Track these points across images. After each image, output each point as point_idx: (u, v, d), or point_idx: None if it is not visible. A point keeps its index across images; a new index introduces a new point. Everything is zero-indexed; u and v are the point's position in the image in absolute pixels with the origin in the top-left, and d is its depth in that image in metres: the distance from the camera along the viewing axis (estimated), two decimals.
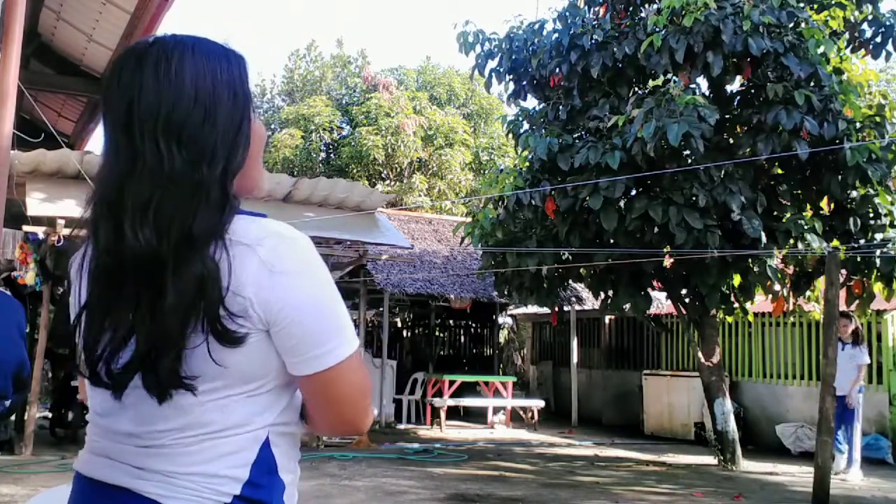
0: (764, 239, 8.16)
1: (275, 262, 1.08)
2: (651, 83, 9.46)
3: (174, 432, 1.13)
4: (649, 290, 9.73)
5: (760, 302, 10.76)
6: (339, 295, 1.16)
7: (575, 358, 14.45)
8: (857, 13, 9.45)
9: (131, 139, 1.08)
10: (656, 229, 8.25)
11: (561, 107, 9.66)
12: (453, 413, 13.61)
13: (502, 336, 18.77)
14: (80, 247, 1.22)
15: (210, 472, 1.13)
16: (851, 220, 8.75)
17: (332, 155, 22.86)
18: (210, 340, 1.08)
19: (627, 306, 9.57)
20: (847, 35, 9.37)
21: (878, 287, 9.02)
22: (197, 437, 1.13)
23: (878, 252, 8.59)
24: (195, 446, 1.13)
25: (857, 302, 9.22)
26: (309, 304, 1.11)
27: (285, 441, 1.21)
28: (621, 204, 8.46)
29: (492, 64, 10.37)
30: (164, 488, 1.12)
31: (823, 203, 9.28)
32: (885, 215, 8.84)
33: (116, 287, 1.09)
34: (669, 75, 8.85)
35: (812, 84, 8.30)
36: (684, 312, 9.99)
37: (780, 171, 9.15)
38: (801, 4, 8.70)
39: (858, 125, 8.36)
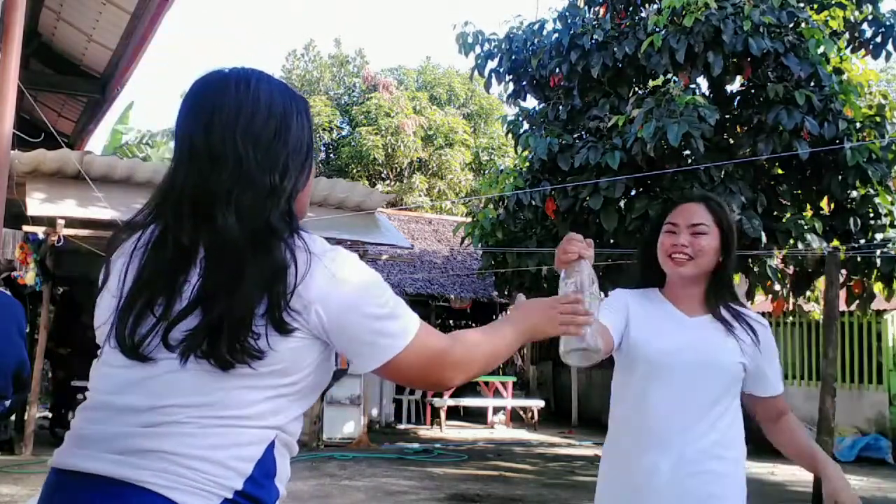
0: (764, 239, 8.16)
1: (337, 272, 1.21)
2: (651, 83, 9.46)
3: (194, 409, 1.15)
4: None
5: (760, 302, 10.75)
6: (387, 289, 1.30)
7: None
8: (857, 13, 9.45)
9: (212, 139, 1.22)
10: None
11: (561, 107, 9.66)
12: (453, 413, 13.61)
13: None
14: (122, 241, 1.29)
15: (217, 459, 1.14)
16: (851, 220, 8.75)
17: (331, 155, 22.86)
18: (268, 327, 1.16)
19: None
20: (847, 35, 9.37)
21: (878, 287, 9.01)
22: (216, 418, 1.16)
23: (878, 252, 8.59)
24: (211, 429, 1.15)
25: (857, 302, 9.22)
26: (365, 303, 1.23)
27: (285, 452, 1.25)
28: (621, 204, 8.46)
29: (492, 64, 10.37)
30: (160, 476, 1.12)
31: (823, 203, 9.28)
32: (886, 215, 8.83)
33: (183, 263, 1.19)
34: (669, 75, 8.85)
35: (812, 84, 8.30)
36: None
37: (780, 171, 9.15)
38: (802, 4, 8.70)
39: (858, 125, 8.36)
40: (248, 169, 1.20)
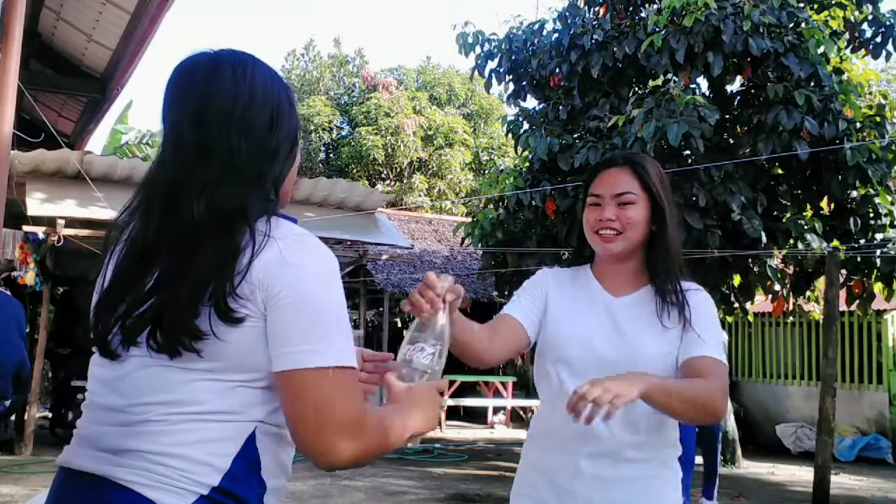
0: (764, 239, 8.16)
1: (289, 255, 1.13)
2: (651, 83, 9.45)
3: (162, 406, 1.14)
4: None
5: (760, 302, 10.75)
6: (344, 311, 1.16)
7: None
8: (857, 13, 9.45)
9: (202, 131, 1.17)
10: None
11: (561, 107, 9.66)
12: (453, 413, 13.61)
13: None
14: (114, 241, 1.27)
15: (190, 455, 1.13)
16: (851, 220, 8.75)
17: (331, 155, 22.85)
18: (212, 314, 1.11)
19: None
20: (847, 35, 9.37)
21: (878, 287, 9.01)
22: (184, 414, 1.13)
23: (878, 252, 8.59)
24: (180, 425, 1.13)
25: (857, 302, 9.22)
26: (307, 296, 1.12)
27: (272, 443, 1.19)
28: None
29: (491, 64, 10.37)
30: (138, 474, 1.12)
31: (823, 203, 9.27)
32: (886, 215, 8.83)
33: (149, 259, 1.17)
34: (669, 75, 8.85)
35: (812, 84, 8.30)
36: None
37: (780, 171, 9.15)
38: (802, 4, 8.70)
39: (858, 125, 8.36)
40: (239, 161, 1.17)
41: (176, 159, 1.19)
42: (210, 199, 1.14)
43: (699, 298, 1.90)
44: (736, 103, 9.42)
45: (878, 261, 8.63)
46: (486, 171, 20.63)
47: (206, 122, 1.17)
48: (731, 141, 9.19)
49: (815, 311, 10.69)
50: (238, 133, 1.17)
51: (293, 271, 1.12)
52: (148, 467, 1.12)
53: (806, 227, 8.27)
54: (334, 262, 1.18)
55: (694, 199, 8.21)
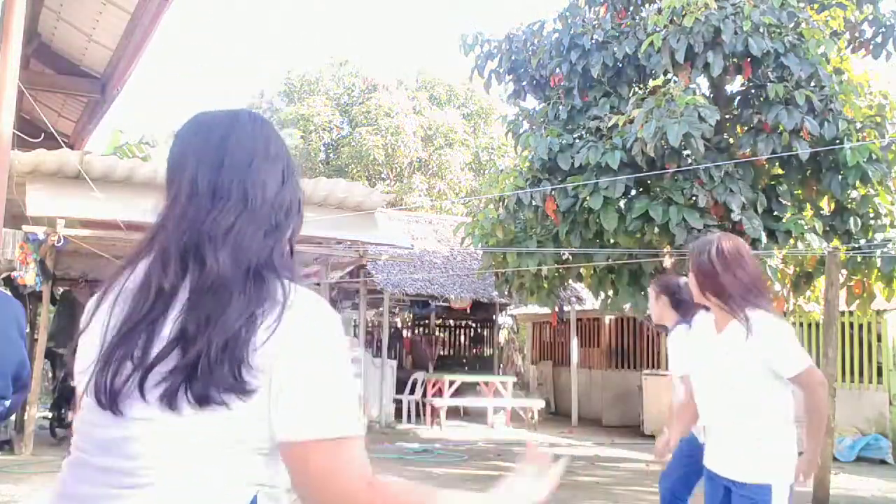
0: (764, 239, 8.16)
1: (303, 328, 1.11)
2: (651, 83, 9.45)
3: (170, 468, 1.10)
4: (649, 290, 9.71)
5: None
6: (350, 386, 1.15)
7: (575, 358, 14.45)
8: (857, 13, 9.46)
9: (221, 179, 1.19)
10: (656, 229, 8.25)
11: (561, 107, 9.66)
12: (453, 413, 13.60)
13: (502, 336, 18.77)
14: (112, 282, 1.23)
15: None
16: (852, 220, 8.75)
17: (331, 155, 22.86)
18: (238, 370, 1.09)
19: (627, 306, 9.57)
20: (847, 35, 9.37)
21: (878, 287, 9.02)
22: (185, 480, 1.10)
23: (878, 252, 8.59)
24: (189, 490, 1.10)
25: (857, 302, 9.22)
26: (320, 374, 1.11)
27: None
28: (621, 204, 8.46)
29: (491, 65, 10.37)
30: None
31: (823, 203, 9.28)
32: (886, 215, 8.84)
33: (163, 307, 1.13)
34: (669, 75, 8.85)
35: (812, 84, 8.31)
36: None
37: (780, 171, 9.15)
38: (802, 4, 8.70)
39: (858, 125, 8.36)
40: (257, 209, 1.18)
41: (191, 206, 1.18)
42: (236, 245, 1.14)
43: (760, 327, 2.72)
44: (736, 103, 9.42)
45: (878, 261, 8.63)
46: (486, 171, 20.64)
47: (225, 169, 1.19)
48: (731, 141, 9.19)
49: (815, 311, 10.69)
50: (256, 183, 1.20)
51: (310, 344, 1.11)
52: None
53: (806, 227, 8.28)
54: (341, 330, 1.18)
55: (694, 199, 8.22)
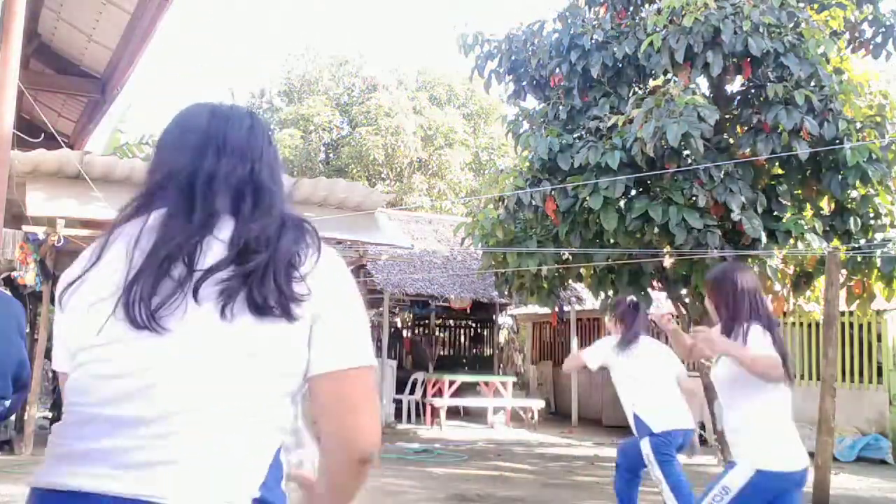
0: (764, 239, 8.16)
1: (335, 273, 1.28)
2: (651, 83, 9.45)
3: (205, 413, 1.11)
4: (649, 289, 9.72)
5: None
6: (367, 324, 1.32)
7: None
8: (857, 13, 9.45)
9: (244, 160, 1.34)
10: (656, 229, 8.25)
11: (561, 107, 9.65)
12: (453, 413, 13.61)
13: (502, 336, 18.77)
14: (120, 225, 1.29)
15: (233, 467, 1.11)
16: (852, 219, 8.75)
17: (331, 155, 22.85)
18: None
19: None
20: (847, 35, 9.37)
21: (878, 287, 9.02)
22: (230, 422, 1.12)
23: (878, 252, 8.59)
24: (227, 435, 1.11)
25: (857, 302, 9.22)
26: (351, 312, 1.26)
27: (284, 455, 1.20)
28: (621, 204, 8.46)
29: (491, 65, 10.37)
30: (178, 490, 1.06)
31: (823, 203, 9.28)
32: (886, 215, 8.83)
33: (204, 232, 1.23)
34: (669, 75, 8.85)
35: (812, 84, 8.30)
36: (684, 312, 9.99)
37: (780, 171, 9.15)
38: (801, 4, 8.70)
39: (858, 125, 8.36)
40: (272, 181, 1.36)
41: (224, 161, 1.31)
42: (274, 190, 1.34)
43: None
44: (736, 103, 9.42)
45: (878, 261, 8.63)
46: (486, 171, 20.64)
47: (246, 153, 1.36)
48: (731, 141, 9.19)
49: (815, 311, 10.69)
50: (268, 163, 1.38)
51: (344, 285, 1.28)
52: (189, 481, 1.07)
53: (806, 227, 8.27)
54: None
55: (694, 199, 8.22)
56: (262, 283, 1.16)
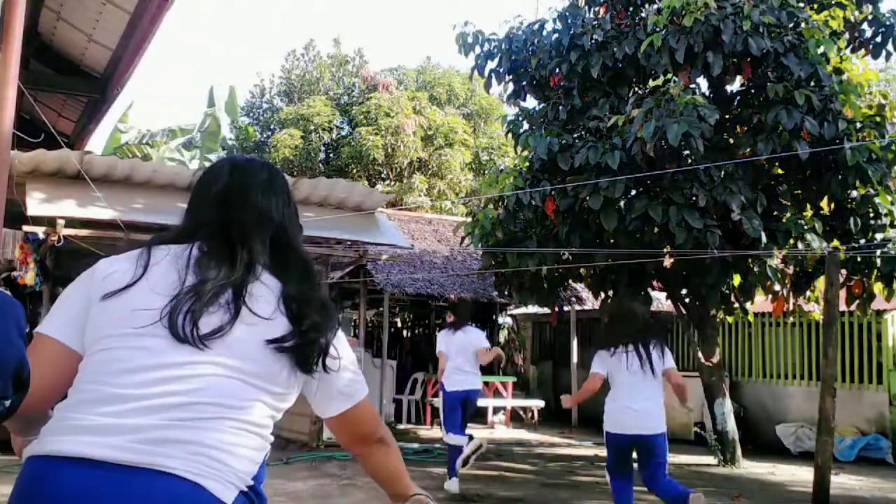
0: (764, 239, 8.16)
1: (342, 335, 1.57)
2: (651, 83, 9.45)
3: (224, 409, 1.32)
4: (649, 289, 9.72)
5: (760, 302, 10.75)
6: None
7: (575, 358, 14.44)
8: (857, 13, 9.45)
9: (275, 200, 1.58)
10: (656, 229, 8.25)
11: (561, 107, 9.65)
12: None
13: (502, 336, 18.77)
14: (159, 244, 1.49)
15: (240, 455, 1.33)
16: (851, 220, 8.75)
17: (331, 155, 22.84)
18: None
19: None
20: (847, 35, 9.36)
21: (878, 287, 9.01)
22: (238, 421, 1.34)
23: (878, 252, 8.59)
24: (238, 433, 1.33)
25: (857, 302, 9.22)
26: (351, 364, 1.58)
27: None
28: (621, 204, 8.46)
29: (491, 64, 10.37)
30: (191, 464, 1.24)
31: (823, 203, 9.28)
32: (886, 215, 8.83)
33: (244, 275, 1.46)
34: (669, 75, 8.85)
35: (812, 84, 8.30)
36: (684, 312, 9.99)
37: (780, 171, 9.15)
38: (801, 4, 8.70)
39: (858, 125, 8.36)
40: (294, 224, 1.61)
41: (256, 207, 1.54)
42: (298, 242, 1.59)
43: None
44: (736, 103, 9.42)
45: (878, 261, 8.63)
46: (486, 171, 20.63)
47: (270, 187, 1.59)
48: (731, 141, 9.19)
49: (815, 311, 10.69)
50: (291, 206, 1.62)
51: (347, 349, 1.57)
52: (203, 460, 1.26)
53: (806, 227, 8.28)
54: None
55: (694, 199, 8.21)
56: (313, 346, 1.44)
